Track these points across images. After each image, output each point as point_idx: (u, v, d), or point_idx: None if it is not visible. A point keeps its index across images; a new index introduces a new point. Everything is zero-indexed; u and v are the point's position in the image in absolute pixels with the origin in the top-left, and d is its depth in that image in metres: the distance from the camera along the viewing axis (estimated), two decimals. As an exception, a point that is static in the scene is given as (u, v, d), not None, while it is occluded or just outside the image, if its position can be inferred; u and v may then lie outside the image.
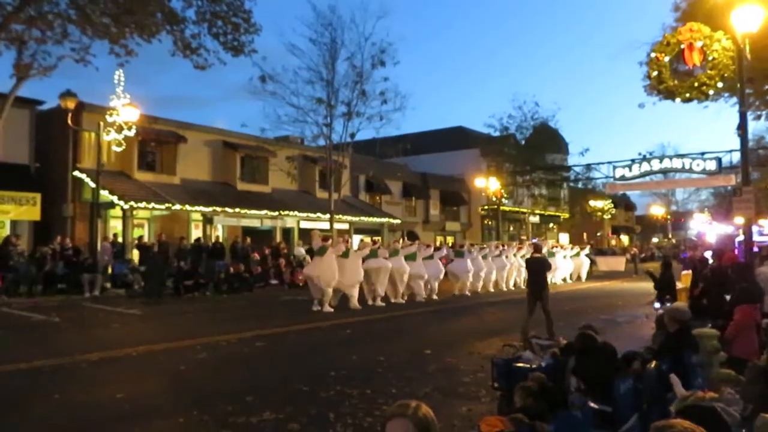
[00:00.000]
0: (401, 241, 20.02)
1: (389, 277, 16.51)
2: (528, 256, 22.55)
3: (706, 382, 5.04)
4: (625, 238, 63.47)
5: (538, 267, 11.06)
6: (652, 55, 9.63)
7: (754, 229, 14.16)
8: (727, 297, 7.20)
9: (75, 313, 13.53)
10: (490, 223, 40.85)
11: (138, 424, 5.71)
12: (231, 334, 10.74)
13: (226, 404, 6.18)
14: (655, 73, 9.50)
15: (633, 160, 20.85)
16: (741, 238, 14.01)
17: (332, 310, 14.31)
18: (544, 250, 24.22)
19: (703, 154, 19.40)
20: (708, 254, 14.98)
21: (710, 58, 9.10)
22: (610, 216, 51.61)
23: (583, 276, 27.07)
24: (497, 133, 36.53)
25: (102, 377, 7.55)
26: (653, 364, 4.18)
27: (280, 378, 7.53)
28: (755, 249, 10.83)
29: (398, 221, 31.60)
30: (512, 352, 6.93)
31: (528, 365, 5.86)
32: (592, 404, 3.78)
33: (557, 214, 46.27)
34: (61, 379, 7.35)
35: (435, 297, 17.90)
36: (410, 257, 17.27)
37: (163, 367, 8.22)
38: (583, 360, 4.76)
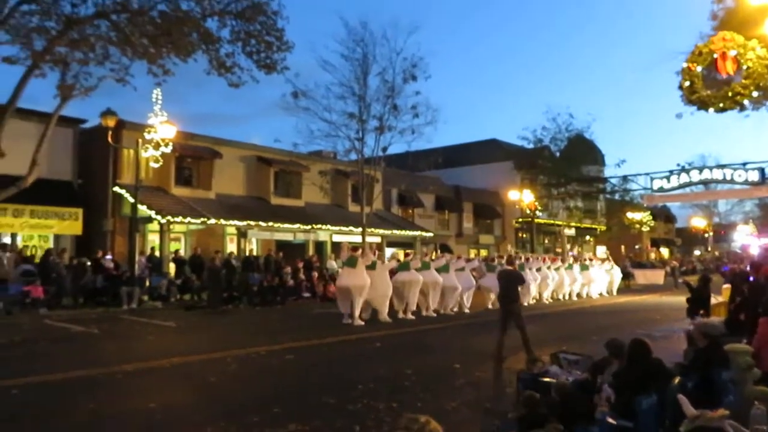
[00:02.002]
0: (434, 254, 19.99)
1: (421, 289, 16.50)
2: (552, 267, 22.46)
3: (738, 399, 4.89)
4: (665, 251, 61.84)
5: (509, 280, 10.43)
6: (684, 65, 9.46)
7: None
8: (764, 312, 6.95)
9: (113, 325, 13.91)
10: (524, 236, 40.41)
11: (167, 434, 5.86)
12: (262, 346, 10.88)
13: (253, 415, 6.28)
14: (687, 83, 9.30)
15: (671, 171, 20.44)
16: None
17: (363, 323, 14.35)
18: (577, 264, 24.18)
19: (745, 164, 18.88)
20: (748, 267, 14.50)
21: (744, 67, 8.88)
22: (649, 228, 50.42)
23: (604, 290, 26.28)
24: (531, 146, 36.22)
25: (136, 387, 7.74)
26: (677, 380, 4.08)
27: (308, 390, 7.59)
28: (797, 262, 10.44)
29: (431, 234, 31.54)
30: (539, 366, 6.87)
31: (555, 380, 5.80)
32: (610, 420, 3.71)
33: (594, 226, 45.45)
34: (97, 389, 7.56)
35: (466, 310, 17.77)
36: (442, 269, 17.23)
37: (195, 378, 8.39)
38: (630, 368, 4.62)
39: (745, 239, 51.09)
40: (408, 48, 31.26)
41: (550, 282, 22.26)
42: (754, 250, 38.19)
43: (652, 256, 56.37)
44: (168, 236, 20.91)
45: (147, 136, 18.58)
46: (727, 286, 14.19)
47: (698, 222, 57.46)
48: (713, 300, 12.29)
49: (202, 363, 9.46)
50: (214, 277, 17.89)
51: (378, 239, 27.33)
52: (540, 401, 4.26)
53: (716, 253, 59.18)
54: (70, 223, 20.08)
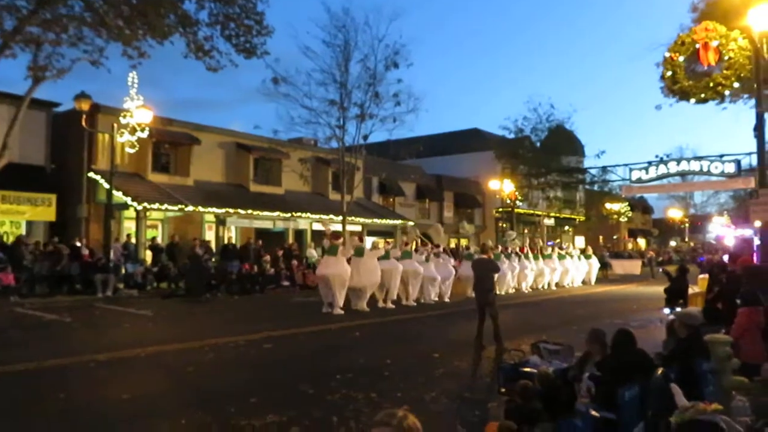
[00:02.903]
0: (414, 243, 19.91)
1: (401, 278, 16.45)
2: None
3: (718, 389, 4.89)
4: (642, 242, 62.71)
5: (483, 269, 10.44)
6: (667, 54, 9.44)
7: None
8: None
9: (86, 313, 13.62)
10: (504, 225, 40.57)
11: (140, 425, 5.71)
12: (240, 335, 10.73)
13: (229, 406, 6.16)
14: (669, 74, 9.29)
15: (650, 163, 20.54)
16: (758, 241, 13.70)
17: (342, 312, 14.24)
18: (555, 254, 24.34)
19: (721, 156, 19.04)
20: (726, 258, 14.69)
21: (726, 57, 8.89)
22: (626, 219, 51.02)
23: (581, 280, 26.45)
24: (512, 135, 36.28)
25: (109, 377, 7.56)
26: (660, 371, 4.05)
27: (286, 380, 7.49)
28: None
29: (412, 223, 31.46)
30: (519, 356, 6.84)
31: (536, 370, 5.76)
32: (593, 412, 3.66)
33: (573, 216, 45.83)
34: (68, 379, 7.37)
35: (447, 299, 17.78)
36: (404, 256, 17.01)
37: (170, 367, 8.22)
38: (613, 359, 4.58)
39: (720, 230, 51.93)
40: (390, 35, 30.92)
41: (529, 272, 22.38)
42: (729, 241, 38.84)
43: (629, 246, 57.12)
44: (144, 223, 20.52)
45: (123, 121, 18.15)
46: (703, 276, 14.37)
47: (674, 213, 58.30)
48: (690, 290, 12.42)
49: (178, 352, 9.28)
50: (196, 264, 17.61)
51: (359, 227, 27.20)
52: (536, 393, 4.19)
53: (692, 244, 60.16)
54: (43, 209, 19.61)
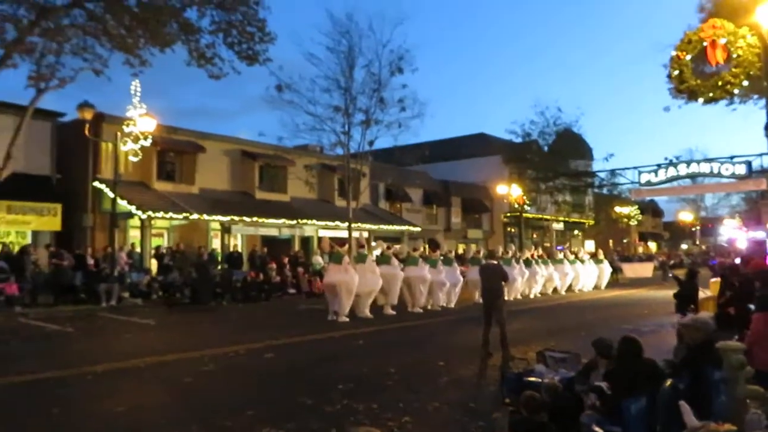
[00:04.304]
0: (422, 248, 19.72)
1: (409, 285, 16.27)
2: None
3: (730, 399, 4.66)
4: (652, 245, 62.10)
5: (491, 274, 10.21)
6: (674, 53, 9.21)
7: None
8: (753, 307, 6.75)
9: (89, 323, 13.52)
10: (512, 230, 40.30)
11: (132, 440, 5.55)
12: (242, 344, 10.58)
13: (225, 418, 5.99)
14: (676, 73, 9.07)
15: (659, 165, 20.27)
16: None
17: (348, 319, 14.06)
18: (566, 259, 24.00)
19: (732, 157, 18.75)
20: (738, 261, 14.35)
21: (735, 55, 8.66)
22: (636, 222, 50.55)
23: (593, 285, 26.05)
24: (519, 140, 36.07)
25: (105, 389, 7.41)
26: (668, 382, 3.82)
27: (286, 391, 7.31)
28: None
29: (419, 229, 31.29)
30: (524, 365, 6.63)
31: (540, 380, 5.56)
32: (596, 427, 3.45)
33: (582, 220, 45.44)
34: (63, 392, 7.23)
35: (452, 306, 17.53)
36: (431, 264, 16.92)
37: (169, 378, 8.07)
38: (619, 369, 4.36)
39: (732, 233, 51.30)
40: (395, 40, 30.84)
41: (540, 278, 22.06)
42: (741, 244, 38.32)
43: (640, 250, 56.58)
44: (149, 232, 20.48)
45: (126, 129, 18.12)
46: (715, 279, 14.05)
47: (685, 216, 57.67)
48: (701, 294, 12.11)
49: (178, 362, 9.13)
50: (203, 272, 17.48)
51: (366, 234, 27.04)
52: (542, 405, 3.98)
53: (703, 247, 59.50)
54: (48, 219, 19.59)
